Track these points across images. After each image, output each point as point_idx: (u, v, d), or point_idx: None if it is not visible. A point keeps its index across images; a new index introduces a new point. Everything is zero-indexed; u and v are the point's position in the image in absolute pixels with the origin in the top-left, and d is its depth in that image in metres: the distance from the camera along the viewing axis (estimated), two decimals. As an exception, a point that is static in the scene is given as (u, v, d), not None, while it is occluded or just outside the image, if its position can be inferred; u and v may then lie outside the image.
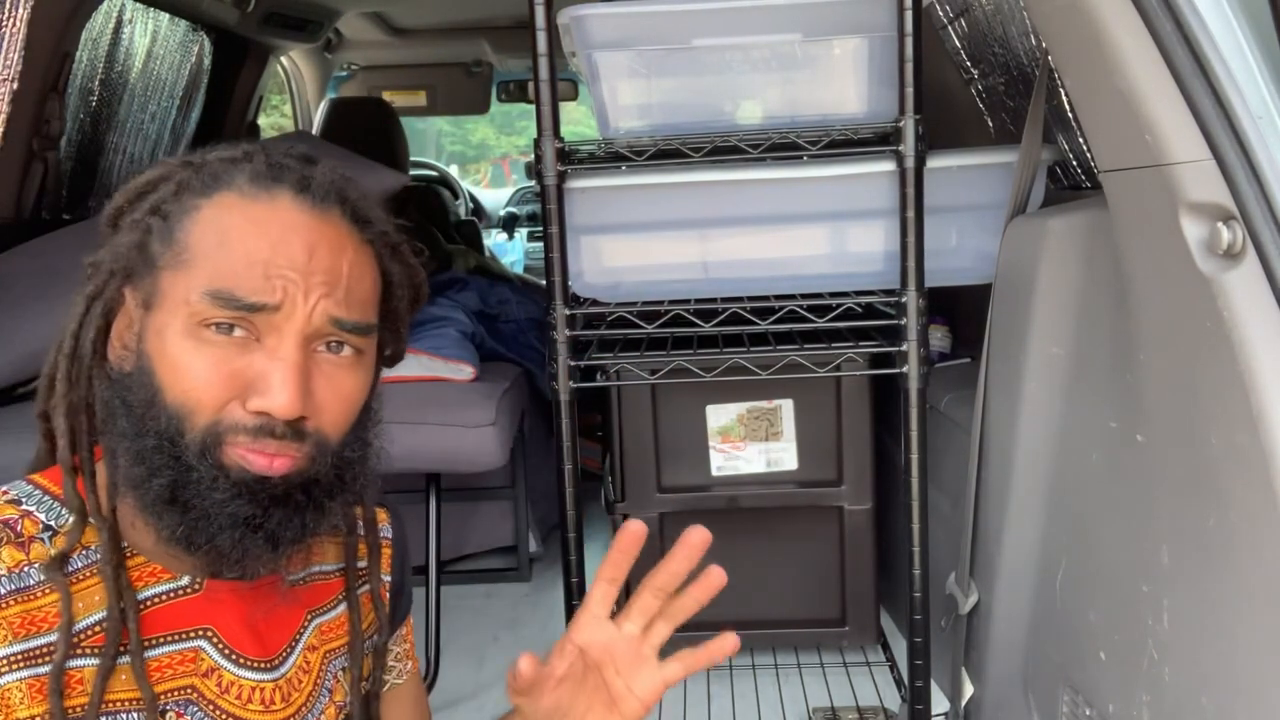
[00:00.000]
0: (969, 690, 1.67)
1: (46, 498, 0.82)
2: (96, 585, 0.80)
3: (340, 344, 0.82)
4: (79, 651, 0.78)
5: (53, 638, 0.77)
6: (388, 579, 1.03)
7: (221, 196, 0.81)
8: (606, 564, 0.90)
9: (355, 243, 0.84)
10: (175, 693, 0.82)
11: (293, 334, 0.79)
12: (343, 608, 0.96)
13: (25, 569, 0.78)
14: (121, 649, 0.79)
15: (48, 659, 0.76)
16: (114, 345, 0.83)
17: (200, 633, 0.84)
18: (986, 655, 1.60)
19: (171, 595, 0.84)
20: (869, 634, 2.04)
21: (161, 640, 0.82)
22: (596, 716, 0.90)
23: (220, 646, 0.85)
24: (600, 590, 0.91)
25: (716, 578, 0.89)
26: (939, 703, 1.72)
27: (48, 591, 0.78)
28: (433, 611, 2.11)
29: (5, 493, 0.82)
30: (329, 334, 0.81)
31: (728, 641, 0.89)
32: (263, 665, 0.87)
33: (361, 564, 0.98)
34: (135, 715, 0.79)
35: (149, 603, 0.82)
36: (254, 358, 0.78)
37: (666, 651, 0.90)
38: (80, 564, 0.80)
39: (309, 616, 0.93)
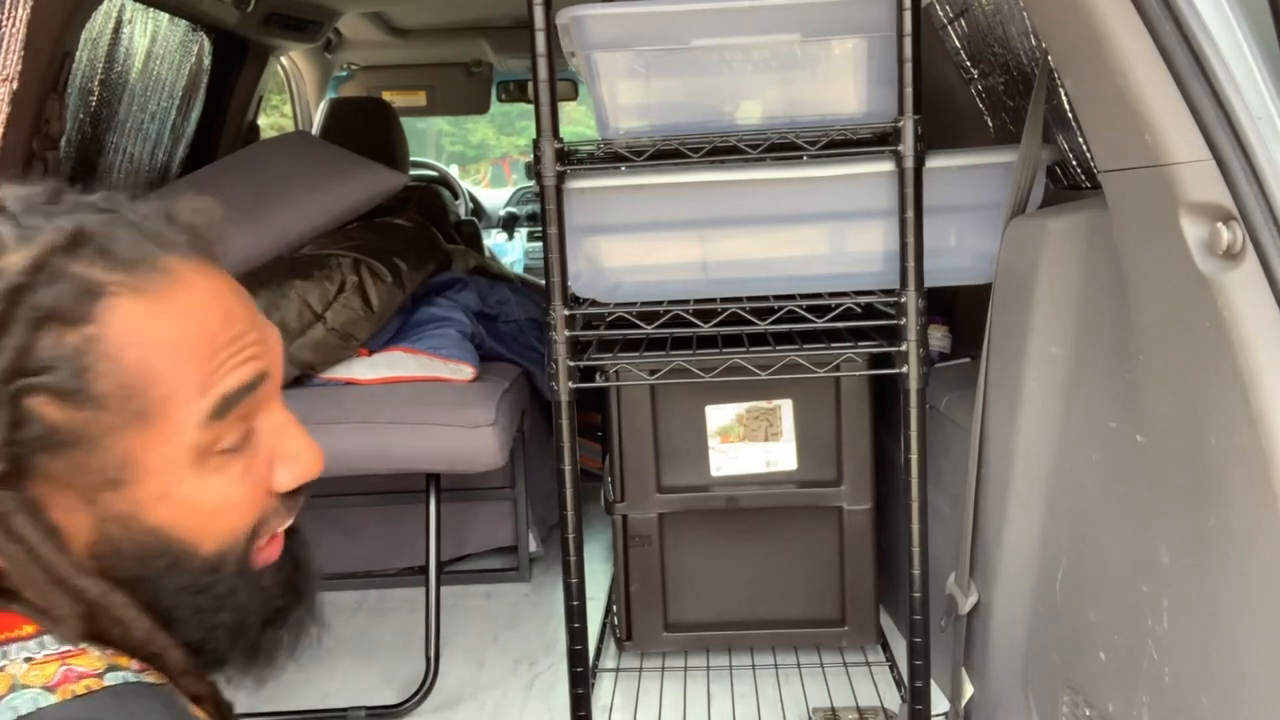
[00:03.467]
0: (969, 690, 1.67)
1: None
2: None
3: None
4: None
5: None
6: None
7: (109, 308, 0.61)
8: None
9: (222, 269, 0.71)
10: None
11: (277, 392, 0.70)
12: None
13: None
14: None
15: None
16: None
17: None
18: (986, 655, 1.60)
19: None
20: (869, 634, 2.04)
21: None
22: None
23: None
24: None
25: None
26: (939, 703, 1.72)
27: None
28: (433, 611, 2.11)
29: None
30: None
31: None
32: None
33: None
34: None
35: None
36: (260, 443, 0.68)
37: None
38: None
39: None
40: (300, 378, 2.25)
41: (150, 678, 0.65)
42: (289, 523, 0.71)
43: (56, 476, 0.62)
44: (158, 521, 0.64)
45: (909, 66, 1.50)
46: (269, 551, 0.70)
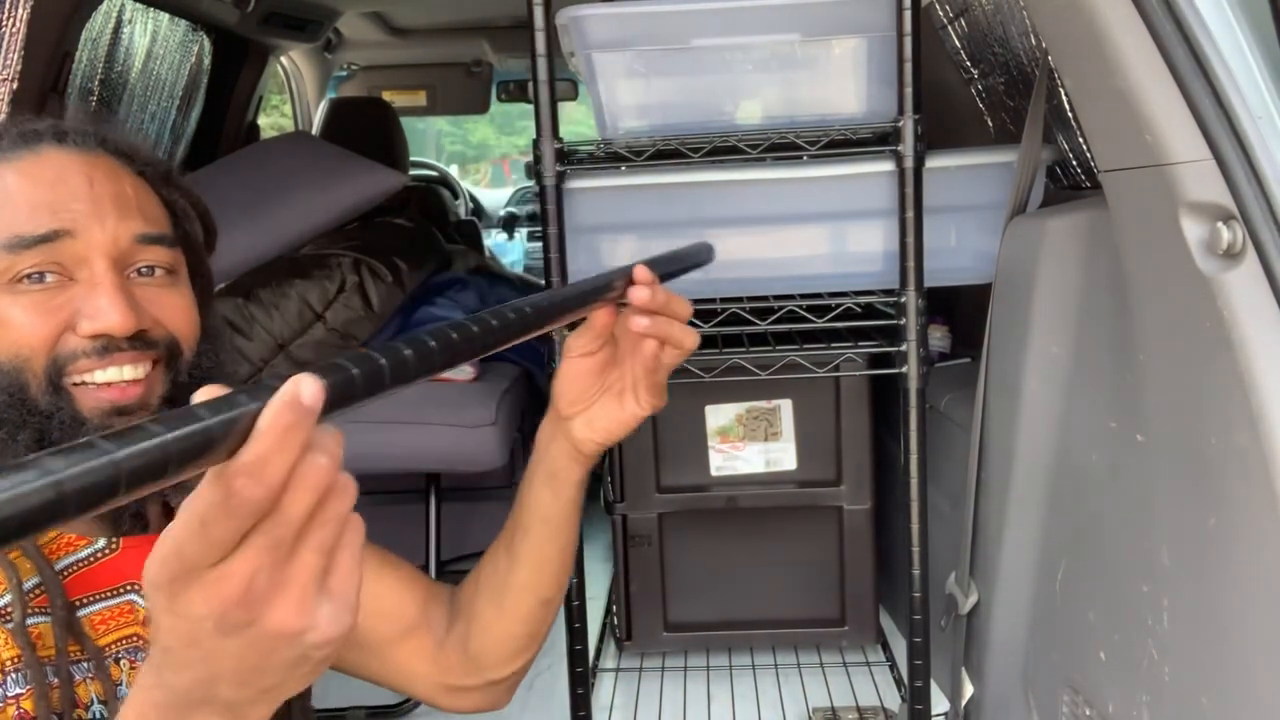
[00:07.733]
0: (969, 690, 1.67)
1: None
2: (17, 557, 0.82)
3: (151, 268, 0.86)
4: (31, 611, 0.80)
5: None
6: None
7: None
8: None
9: (128, 173, 0.88)
10: (121, 642, 0.85)
11: (101, 257, 0.82)
12: None
13: None
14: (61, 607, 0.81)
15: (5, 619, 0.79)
16: None
17: (127, 588, 0.86)
18: (986, 655, 1.60)
19: (91, 560, 0.86)
20: (869, 634, 2.04)
21: (91, 599, 0.85)
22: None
23: None
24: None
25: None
26: (939, 703, 1.72)
27: None
28: (432, 612, 2.11)
29: None
30: (135, 255, 0.85)
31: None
32: None
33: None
34: (86, 665, 0.82)
35: (70, 570, 0.84)
36: (73, 292, 0.82)
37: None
38: None
39: None
40: (300, 378, 2.24)
41: None
42: (108, 373, 0.82)
43: None
44: None
45: (909, 66, 1.50)
46: (104, 394, 0.82)
